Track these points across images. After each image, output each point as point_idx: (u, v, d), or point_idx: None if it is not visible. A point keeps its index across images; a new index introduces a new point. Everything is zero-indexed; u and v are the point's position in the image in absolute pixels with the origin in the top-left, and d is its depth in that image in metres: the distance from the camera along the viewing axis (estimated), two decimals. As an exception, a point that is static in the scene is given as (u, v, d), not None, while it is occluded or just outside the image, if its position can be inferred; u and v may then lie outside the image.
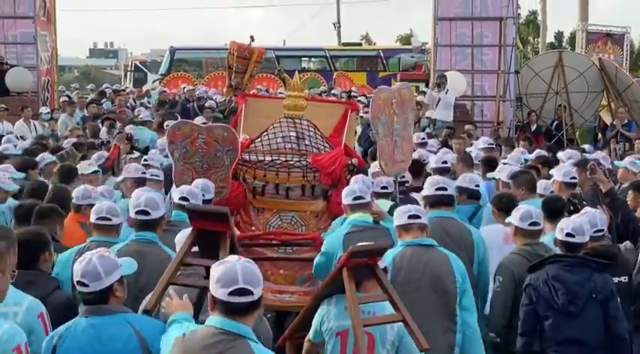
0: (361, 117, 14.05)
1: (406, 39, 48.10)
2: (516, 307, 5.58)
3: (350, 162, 7.57)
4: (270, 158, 7.44)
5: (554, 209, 6.45)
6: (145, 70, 36.31)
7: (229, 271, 3.62)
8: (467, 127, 14.88)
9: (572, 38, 38.52)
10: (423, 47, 31.03)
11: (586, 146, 13.78)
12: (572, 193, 7.51)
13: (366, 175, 7.80)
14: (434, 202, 6.43)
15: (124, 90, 23.32)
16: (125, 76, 38.03)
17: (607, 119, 18.90)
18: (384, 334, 4.84)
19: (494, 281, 5.93)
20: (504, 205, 6.72)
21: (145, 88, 25.38)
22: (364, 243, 5.03)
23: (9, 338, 3.73)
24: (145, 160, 9.41)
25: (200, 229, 4.58)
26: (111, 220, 5.68)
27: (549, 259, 5.48)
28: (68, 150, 10.10)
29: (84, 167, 8.51)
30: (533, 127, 17.42)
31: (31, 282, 4.81)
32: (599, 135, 18.48)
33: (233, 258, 3.75)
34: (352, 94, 21.47)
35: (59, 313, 4.65)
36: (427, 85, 22.28)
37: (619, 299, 5.41)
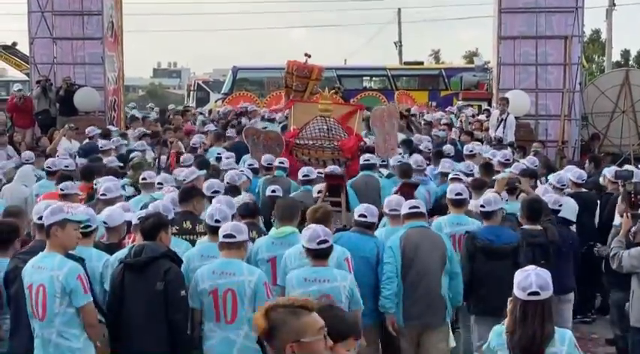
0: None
1: (472, 57, 47.78)
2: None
3: (361, 144, 12.76)
4: (312, 142, 12.48)
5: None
6: (208, 89, 36.70)
7: (369, 207, 7.35)
8: (534, 144, 14.76)
9: (639, 56, 37.83)
10: (486, 66, 30.79)
11: None
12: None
13: (372, 153, 12.01)
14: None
15: (189, 110, 23.58)
16: (188, 95, 38.49)
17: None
18: None
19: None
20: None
21: (207, 108, 25.79)
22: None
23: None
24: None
25: (329, 183, 9.01)
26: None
27: None
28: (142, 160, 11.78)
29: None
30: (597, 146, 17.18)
31: None
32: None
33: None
34: (411, 112, 21.50)
35: None
36: (489, 104, 22.14)
37: None
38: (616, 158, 16.74)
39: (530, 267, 4.65)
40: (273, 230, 7.17)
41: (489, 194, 8.16)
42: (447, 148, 13.47)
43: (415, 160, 11.53)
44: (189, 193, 8.06)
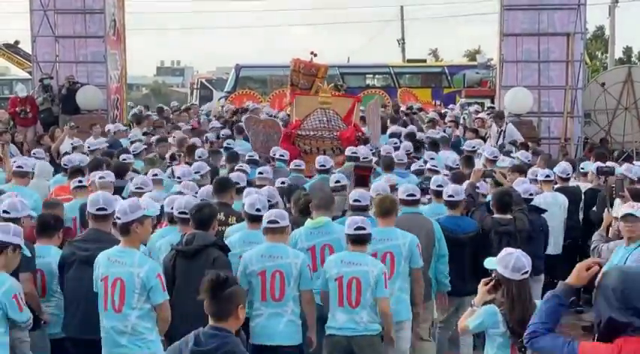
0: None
1: (473, 55, 47.77)
2: None
3: (358, 134, 13.49)
4: (313, 133, 13.38)
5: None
6: (211, 87, 36.65)
7: (363, 193, 8.14)
8: (530, 145, 14.75)
9: (642, 53, 37.75)
10: (489, 63, 30.75)
11: None
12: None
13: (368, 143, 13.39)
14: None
15: (190, 108, 23.60)
16: (191, 93, 38.47)
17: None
18: None
19: None
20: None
21: (209, 106, 25.87)
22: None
23: None
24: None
25: (358, 173, 9.76)
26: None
27: None
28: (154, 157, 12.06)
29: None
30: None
31: None
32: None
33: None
34: (413, 110, 21.66)
35: None
36: (492, 101, 22.12)
37: None
38: (619, 155, 16.73)
39: (511, 250, 5.08)
40: (309, 221, 7.63)
41: (457, 185, 8.81)
42: (444, 138, 14.42)
43: (404, 145, 13.02)
44: (226, 185, 8.46)
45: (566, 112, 17.71)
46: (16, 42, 28.45)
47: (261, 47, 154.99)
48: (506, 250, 5.14)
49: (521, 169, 10.84)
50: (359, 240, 6.79)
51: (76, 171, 10.21)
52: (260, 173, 10.38)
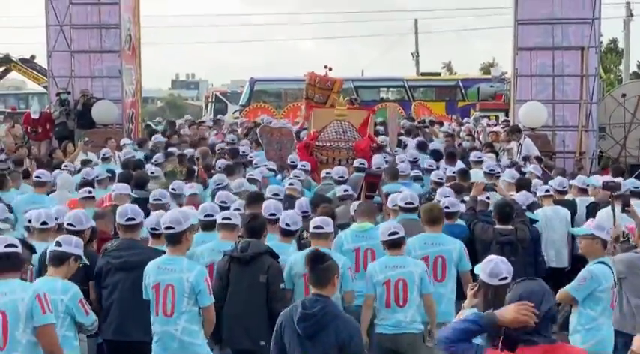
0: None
1: (488, 68, 47.76)
2: None
3: (373, 145, 14.10)
4: (329, 144, 14.07)
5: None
6: (226, 100, 36.77)
7: (407, 194, 8.91)
8: (543, 159, 14.70)
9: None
10: (503, 77, 30.72)
11: None
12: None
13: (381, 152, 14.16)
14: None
15: (203, 122, 23.71)
16: (206, 106, 38.60)
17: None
18: None
19: None
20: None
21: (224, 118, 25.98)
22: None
23: None
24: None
25: (368, 180, 10.24)
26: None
27: None
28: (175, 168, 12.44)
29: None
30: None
31: None
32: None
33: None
34: (426, 123, 21.71)
35: None
36: (507, 115, 22.08)
37: None
38: (633, 169, 16.64)
39: (493, 256, 5.31)
40: (355, 225, 8.39)
41: (452, 198, 9.29)
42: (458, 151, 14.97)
43: (411, 154, 14.05)
44: (257, 198, 9.05)
45: (581, 126, 17.64)
46: (32, 57, 28.64)
47: (277, 61, 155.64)
48: (488, 257, 5.36)
49: (520, 185, 10.90)
50: (395, 244, 7.36)
51: (85, 184, 10.60)
52: (290, 184, 10.86)
